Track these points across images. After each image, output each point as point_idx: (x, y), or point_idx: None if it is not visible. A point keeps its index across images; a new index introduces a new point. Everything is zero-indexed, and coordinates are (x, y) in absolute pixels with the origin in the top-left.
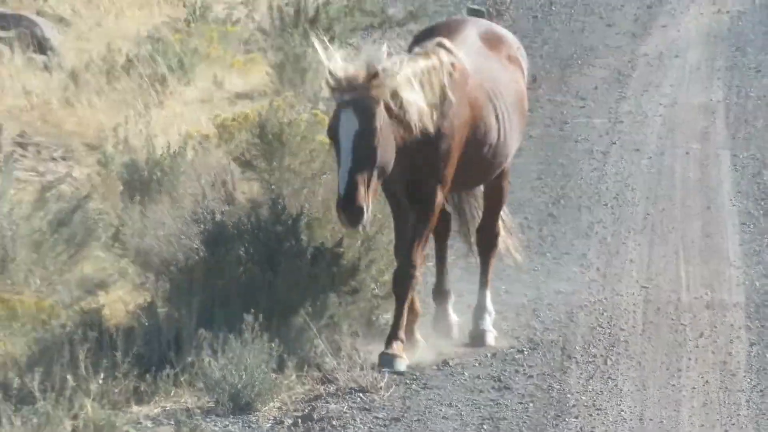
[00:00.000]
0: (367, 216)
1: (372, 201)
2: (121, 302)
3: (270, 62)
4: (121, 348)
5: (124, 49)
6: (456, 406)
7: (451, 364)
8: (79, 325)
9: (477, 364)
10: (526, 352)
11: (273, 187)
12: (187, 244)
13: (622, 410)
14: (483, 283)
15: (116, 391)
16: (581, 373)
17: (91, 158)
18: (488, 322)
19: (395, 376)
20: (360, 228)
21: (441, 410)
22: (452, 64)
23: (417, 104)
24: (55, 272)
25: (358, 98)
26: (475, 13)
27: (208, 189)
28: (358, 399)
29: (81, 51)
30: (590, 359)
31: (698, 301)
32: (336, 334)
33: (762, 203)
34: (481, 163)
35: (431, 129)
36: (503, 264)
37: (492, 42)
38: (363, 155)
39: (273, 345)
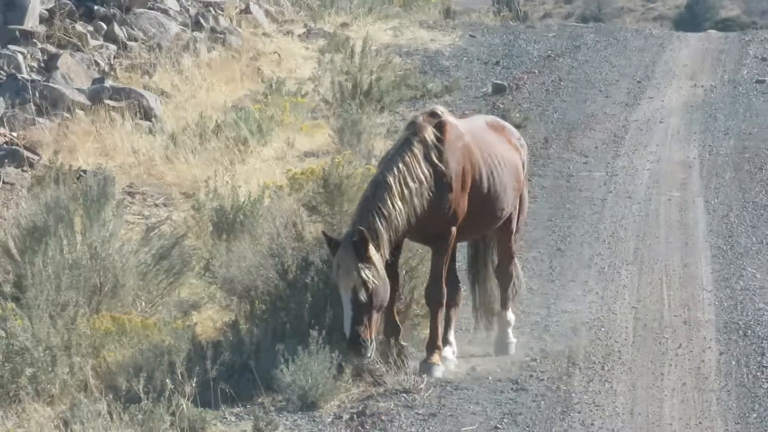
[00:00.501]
0: (371, 349)
1: (374, 333)
2: (210, 320)
3: (332, 127)
4: (211, 357)
5: (214, 117)
6: (482, 404)
7: (478, 370)
8: (176, 339)
9: (498, 370)
10: (538, 360)
11: (334, 227)
12: (264, 274)
13: (616, 407)
14: (504, 306)
15: (206, 393)
16: (583, 377)
17: (187, 204)
18: (511, 335)
19: (432, 380)
20: (368, 357)
21: (470, 407)
22: (439, 128)
23: (400, 210)
24: (157, 296)
25: (349, 260)
26: (498, 87)
27: (282, 229)
28: (403, 398)
29: (179, 118)
30: (590, 366)
31: (677, 318)
32: (385, 346)
33: (729, 240)
34: (476, 213)
35: (425, 203)
36: (520, 289)
37: (496, 127)
38: (361, 307)
39: (333, 355)
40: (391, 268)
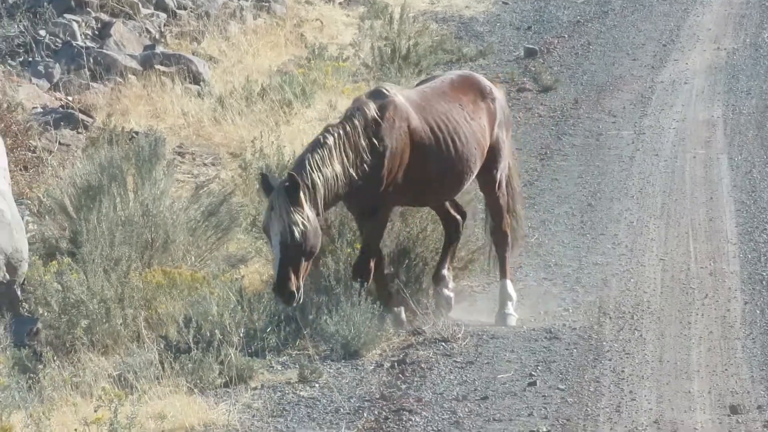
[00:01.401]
0: (298, 296)
1: (303, 280)
2: (257, 274)
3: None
4: (257, 309)
5: (260, 81)
6: (517, 352)
7: None
8: (224, 291)
9: (533, 320)
10: (570, 310)
11: None
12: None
13: (646, 354)
14: (502, 274)
15: (253, 342)
16: (613, 326)
17: (234, 164)
18: (510, 307)
19: (470, 328)
20: (294, 305)
21: (505, 355)
22: (379, 109)
23: (335, 173)
24: (206, 251)
25: (281, 204)
26: (530, 51)
27: None
28: (441, 347)
29: (226, 82)
30: (620, 315)
31: (704, 270)
32: (424, 297)
33: (752, 194)
34: (432, 183)
35: (359, 175)
36: (553, 243)
37: (461, 85)
38: (290, 253)
39: (375, 306)
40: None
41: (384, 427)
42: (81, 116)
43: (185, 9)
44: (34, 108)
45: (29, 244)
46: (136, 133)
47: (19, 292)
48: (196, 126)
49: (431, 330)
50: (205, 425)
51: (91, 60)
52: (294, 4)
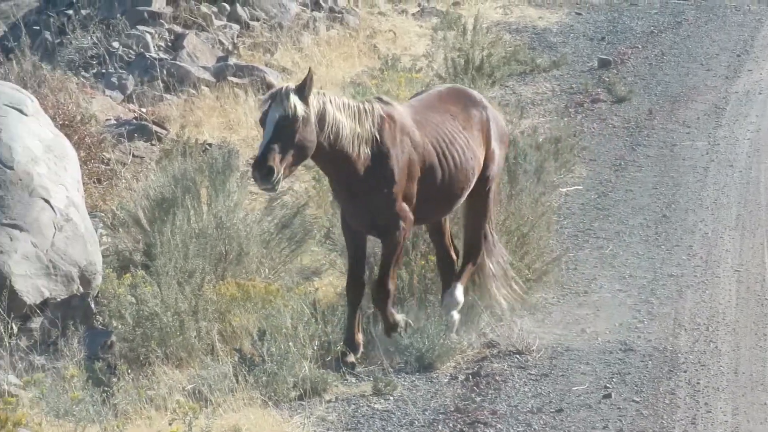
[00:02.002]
0: (276, 176)
1: (286, 171)
2: (331, 286)
3: None
4: (331, 321)
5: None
6: (591, 364)
7: (587, 331)
8: (298, 303)
9: (607, 332)
10: (645, 322)
11: None
12: None
13: (721, 366)
14: (457, 278)
15: (327, 355)
16: (689, 338)
17: (308, 175)
18: (455, 314)
19: (544, 340)
20: (271, 186)
21: (580, 368)
22: (386, 115)
23: (344, 123)
24: (280, 263)
25: (285, 92)
26: (604, 61)
27: None
28: (516, 359)
29: None
30: (696, 327)
31: None
32: (498, 309)
33: None
34: (432, 197)
35: (363, 151)
36: (627, 254)
37: (451, 97)
38: (282, 133)
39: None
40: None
41: None
42: (154, 128)
43: (258, 20)
44: (107, 120)
45: (103, 256)
46: (210, 145)
47: (93, 305)
48: None
49: (506, 342)
50: None
51: (165, 72)
52: (367, 15)
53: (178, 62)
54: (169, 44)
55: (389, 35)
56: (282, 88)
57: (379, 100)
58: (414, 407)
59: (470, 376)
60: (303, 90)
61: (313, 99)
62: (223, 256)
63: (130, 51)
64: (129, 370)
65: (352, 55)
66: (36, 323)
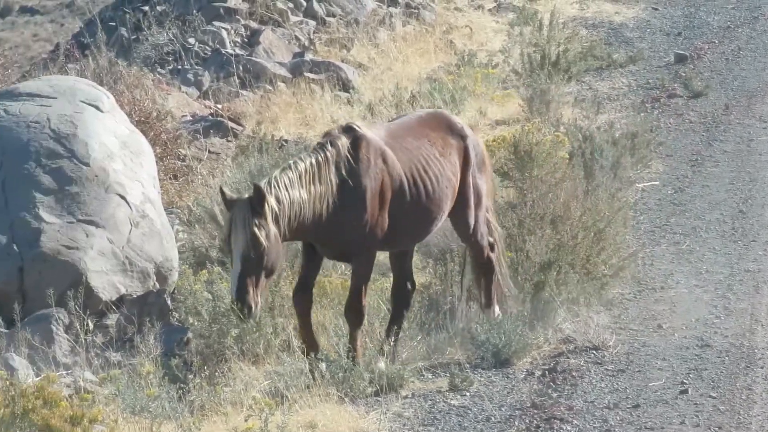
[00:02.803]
0: (255, 311)
1: (261, 296)
2: None
3: (522, 96)
4: (407, 317)
5: (409, 88)
6: (668, 359)
7: (664, 327)
8: (374, 299)
9: (684, 327)
10: (722, 318)
11: (524, 192)
12: (458, 237)
13: None
14: (487, 303)
15: (404, 350)
16: (766, 333)
17: None
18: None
19: (621, 336)
20: (252, 321)
21: (656, 363)
22: (351, 146)
23: (302, 199)
24: None
25: (244, 215)
26: (680, 56)
27: None
28: (592, 355)
29: (376, 89)
30: None
31: None
32: (574, 305)
33: None
34: (403, 224)
35: (325, 211)
36: (704, 250)
37: (430, 123)
38: (250, 264)
39: (526, 313)
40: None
41: None
42: (230, 124)
43: (334, 16)
44: (183, 116)
45: (179, 253)
46: (286, 140)
47: (169, 302)
48: None
49: (582, 338)
50: None
51: (241, 68)
52: (443, 11)
53: (254, 58)
54: (245, 40)
55: (465, 31)
56: (239, 217)
57: (349, 128)
58: (490, 403)
59: (546, 372)
60: (261, 212)
61: (267, 211)
62: (299, 253)
63: (206, 47)
64: (205, 367)
65: (429, 51)
66: (112, 320)
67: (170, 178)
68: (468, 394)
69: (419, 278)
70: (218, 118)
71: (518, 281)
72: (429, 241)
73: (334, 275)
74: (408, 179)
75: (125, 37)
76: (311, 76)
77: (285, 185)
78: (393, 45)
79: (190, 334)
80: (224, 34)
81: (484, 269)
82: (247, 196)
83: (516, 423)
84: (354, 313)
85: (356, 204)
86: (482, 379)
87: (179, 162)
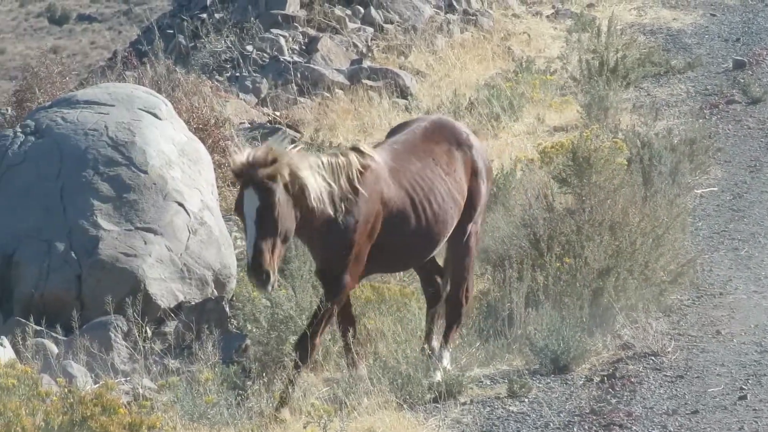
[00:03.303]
0: (273, 278)
1: (277, 264)
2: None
3: (580, 102)
4: (465, 324)
5: (467, 94)
6: (727, 365)
7: (722, 333)
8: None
9: (743, 333)
10: None
11: (583, 198)
12: (517, 243)
13: None
14: (444, 343)
15: (463, 356)
16: None
17: None
18: (438, 375)
19: (680, 342)
20: (269, 289)
21: (715, 369)
22: (362, 166)
23: (314, 187)
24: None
25: (258, 177)
26: (739, 63)
27: (533, 200)
28: (651, 361)
29: (434, 96)
30: None
31: None
32: (633, 311)
33: None
34: (405, 248)
35: (330, 212)
36: (763, 255)
37: (434, 134)
38: (265, 227)
39: (585, 320)
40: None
41: None
42: (288, 131)
43: (392, 23)
44: (241, 123)
45: (237, 260)
46: None
47: (227, 309)
48: None
49: (641, 344)
50: None
51: (299, 75)
52: (501, 18)
53: (312, 65)
54: (303, 47)
55: (523, 37)
56: (248, 171)
57: (355, 149)
58: (549, 409)
59: (605, 378)
60: (268, 165)
61: (282, 169)
62: None
63: (264, 54)
64: (264, 374)
65: (486, 58)
66: (170, 327)
67: (228, 185)
68: (526, 400)
69: (477, 284)
70: (276, 125)
71: (577, 287)
72: (487, 248)
73: (393, 281)
74: (413, 203)
75: (183, 44)
76: (369, 83)
77: (298, 161)
78: (451, 52)
79: (248, 341)
80: (282, 41)
81: (453, 306)
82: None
83: (575, 429)
84: (303, 348)
85: (343, 233)
86: (541, 385)
87: None
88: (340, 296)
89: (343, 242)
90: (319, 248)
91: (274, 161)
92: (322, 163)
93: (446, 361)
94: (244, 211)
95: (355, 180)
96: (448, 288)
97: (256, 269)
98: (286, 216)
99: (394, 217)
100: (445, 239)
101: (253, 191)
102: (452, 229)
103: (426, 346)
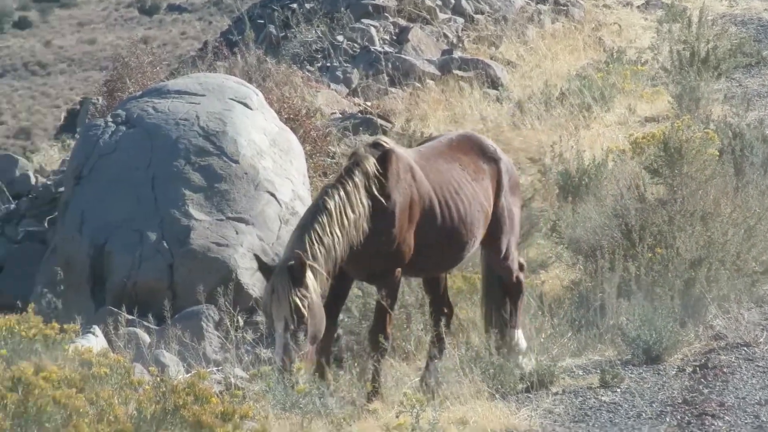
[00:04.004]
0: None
1: (308, 365)
2: (557, 279)
3: (671, 93)
4: (557, 314)
5: (558, 85)
6: None
7: None
8: (525, 296)
9: None
10: None
11: (674, 189)
12: (609, 234)
13: None
14: (512, 323)
15: (554, 346)
16: None
17: (533, 169)
18: (522, 359)
19: None
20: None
21: None
22: (379, 161)
23: (338, 240)
24: None
25: (284, 285)
26: None
27: (625, 191)
28: (743, 351)
29: (524, 86)
30: None
31: None
32: (725, 302)
33: None
34: (433, 247)
35: (362, 236)
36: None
37: (462, 146)
38: (293, 332)
39: (677, 310)
40: (334, 305)
41: (686, 431)
42: (380, 121)
43: (482, 13)
44: (332, 113)
45: None
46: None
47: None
48: (495, 131)
49: (733, 335)
50: (507, 430)
51: (389, 65)
52: (592, 8)
53: (402, 55)
54: (394, 38)
55: (614, 28)
56: (279, 287)
57: (377, 144)
58: (641, 399)
59: (698, 368)
60: (301, 281)
61: (308, 279)
62: None
63: (355, 44)
64: (355, 363)
65: (578, 48)
66: (262, 316)
67: (320, 176)
68: (619, 390)
69: (569, 275)
70: (367, 116)
71: (669, 278)
72: (579, 238)
73: None
74: (439, 199)
75: (274, 34)
76: (460, 73)
77: (318, 237)
78: (542, 42)
79: (340, 331)
80: (373, 31)
81: (512, 290)
82: (285, 262)
83: (667, 419)
84: (376, 337)
85: (386, 220)
86: (633, 375)
87: (329, 159)
88: (394, 288)
89: (386, 239)
90: (365, 253)
91: (302, 267)
92: (335, 207)
93: (522, 341)
94: (272, 315)
95: (374, 188)
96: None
97: (283, 371)
98: (316, 318)
99: (423, 209)
100: (473, 247)
101: (283, 300)
102: (480, 236)
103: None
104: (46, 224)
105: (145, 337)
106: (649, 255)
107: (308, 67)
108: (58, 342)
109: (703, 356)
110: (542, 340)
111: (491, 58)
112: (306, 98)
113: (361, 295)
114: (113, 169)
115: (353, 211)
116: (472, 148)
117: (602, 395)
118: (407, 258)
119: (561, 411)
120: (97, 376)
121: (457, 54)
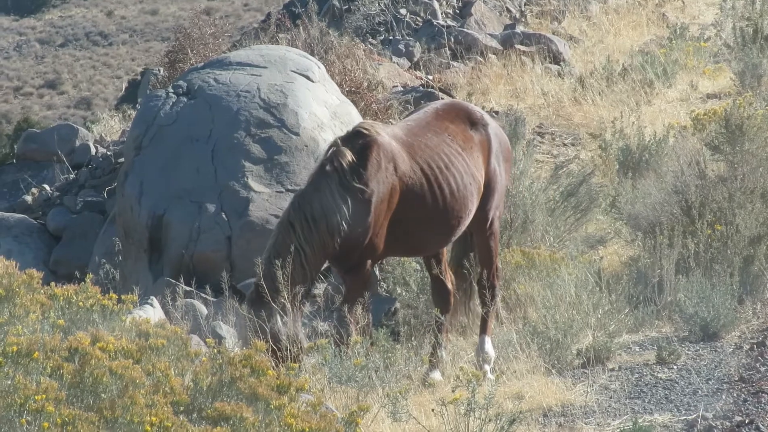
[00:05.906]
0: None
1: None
2: (615, 255)
3: (733, 70)
4: (615, 290)
5: (620, 60)
6: None
7: None
8: (582, 272)
9: None
10: None
11: (735, 166)
12: (668, 210)
13: None
14: (482, 329)
15: (611, 323)
16: None
17: (594, 144)
18: (488, 369)
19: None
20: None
21: None
22: (359, 152)
23: (317, 249)
24: (565, 231)
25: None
26: None
27: (686, 167)
28: None
29: (586, 62)
30: None
31: None
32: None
33: None
34: (426, 226)
35: (337, 242)
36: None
37: (448, 114)
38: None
39: (735, 287)
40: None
41: (743, 409)
42: (441, 95)
43: None
44: (394, 86)
45: None
46: (496, 112)
47: (377, 272)
48: (555, 106)
49: None
50: (563, 405)
51: (452, 39)
52: None
53: (465, 29)
54: (457, 11)
55: (678, 4)
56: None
57: (358, 134)
58: (698, 376)
59: (755, 346)
60: (269, 313)
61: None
62: (509, 224)
63: (417, 18)
64: (412, 337)
65: (641, 24)
66: (320, 289)
67: None
68: (675, 367)
69: (628, 251)
70: (429, 89)
71: (728, 255)
72: (638, 214)
73: (543, 246)
74: (428, 178)
75: (337, 7)
76: (522, 48)
77: (283, 261)
78: (605, 17)
79: (397, 304)
80: (436, 5)
81: (485, 292)
82: (250, 294)
83: (723, 396)
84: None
85: (362, 209)
86: (690, 352)
87: None
88: (363, 280)
89: (358, 230)
90: (342, 245)
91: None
92: (309, 221)
93: (489, 348)
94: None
95: (354, 181)
96: (480, 270)
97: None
98: (291, 342)
99: (411, 192)
100: (468, 219)
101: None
102: (474, 208)
103: (434, 359)
104: (105, 195)
105: (203, 309)
106: (709, 232)
107: (371, 40)
108: (115, 313)
109: (760, 334)
110: (599, 316)
111: (554, 33)
112: (368, 71)
113: (420, 269)
114: (173, 140)
115: (328, 215)
116: (458, 116)
117: (658, 372)
118: (379, 250)
119: (617, 387)
120: (154, 347)
121: (520, 29)
